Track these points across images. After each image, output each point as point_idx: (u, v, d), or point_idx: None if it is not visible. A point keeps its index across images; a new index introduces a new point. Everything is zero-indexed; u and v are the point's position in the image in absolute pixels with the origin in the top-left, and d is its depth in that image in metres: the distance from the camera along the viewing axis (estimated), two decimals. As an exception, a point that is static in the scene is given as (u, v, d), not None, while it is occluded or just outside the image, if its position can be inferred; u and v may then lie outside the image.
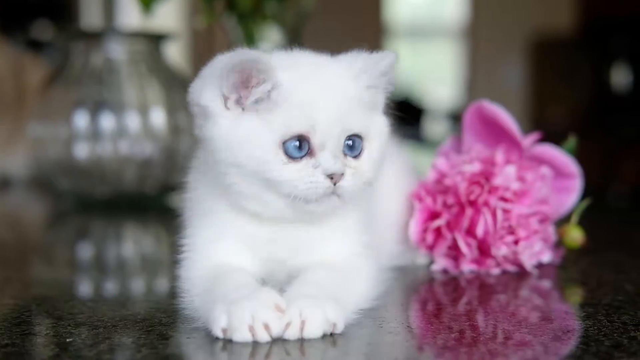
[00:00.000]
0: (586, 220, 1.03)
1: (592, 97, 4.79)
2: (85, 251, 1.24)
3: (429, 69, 7.20)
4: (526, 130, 1.01)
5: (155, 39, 1.58)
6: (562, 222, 1.04)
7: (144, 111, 1.50)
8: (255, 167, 0.70)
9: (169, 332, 0.69)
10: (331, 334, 0.66)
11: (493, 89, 5.15)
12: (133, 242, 1.30)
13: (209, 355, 0.64)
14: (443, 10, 6.92)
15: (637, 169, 4.12)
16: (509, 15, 5.30)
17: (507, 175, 0.94)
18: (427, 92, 6.92)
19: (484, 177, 0.94)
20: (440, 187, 0.97)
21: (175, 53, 2.39)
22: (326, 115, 0.70)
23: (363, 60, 0.75)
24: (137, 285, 0.95)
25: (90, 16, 4.50)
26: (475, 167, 0.95)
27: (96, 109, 1.49)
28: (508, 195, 0.93)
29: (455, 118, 6.03)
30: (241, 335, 0.63)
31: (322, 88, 0.72)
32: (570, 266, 1.01)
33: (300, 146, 0.70)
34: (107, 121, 1.48)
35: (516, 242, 0.93)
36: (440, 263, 0.96)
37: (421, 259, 0.98)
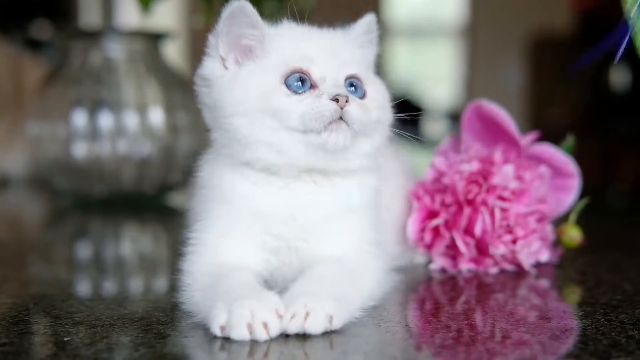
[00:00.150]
0: (584, 220, 1.03)
1: (591, 96, 4.79)
2: (83, 250, 1.23)
3: (428, 69, 7.19)
4: (525, 130, 1.01)
5: (153, 38, 1.58)
6: (560, 221, 1.04)
7: (142, 110, 1.51)
8: (262, 103, 0.73)
9: (167, 330, 0.69)
10: (330, 332, 0.66)
11: (492, 88, 5.16)
12: (131, 241, 1.30)
13: (207, 354, 0.64)
14: (442, 10, 6.91)
15: (636, 169, 4.12)
16: (508, 14, 5.30)
17: (505, 174, 0.94)
18: (426, 92, 6.92)
19: (482, 176, 0.94)
20: (438, 186, 0.97)
21: (173, 52, 2.39)
22: (320, 48, 0.76)
23: (343, 28, 0.82)
24: (135, 284, 0.95)
25: (88, 15, 4.49)
26: (474, 166, 0.95)
27: (94, 108, 1.49)
28: (506, 194, 0.93)
29: (454, 117, 6.02)
30: (239, 333, 0.63)
31: (313, 32, 0.79)
32: (568, 265, 1.01)
33: (302, 84, 0.74)
34: (105, 120, 1.49)
35: (514, 241, 0.93)
36: (439, 262, 0.96)
37: (419, 258, 0.98)
